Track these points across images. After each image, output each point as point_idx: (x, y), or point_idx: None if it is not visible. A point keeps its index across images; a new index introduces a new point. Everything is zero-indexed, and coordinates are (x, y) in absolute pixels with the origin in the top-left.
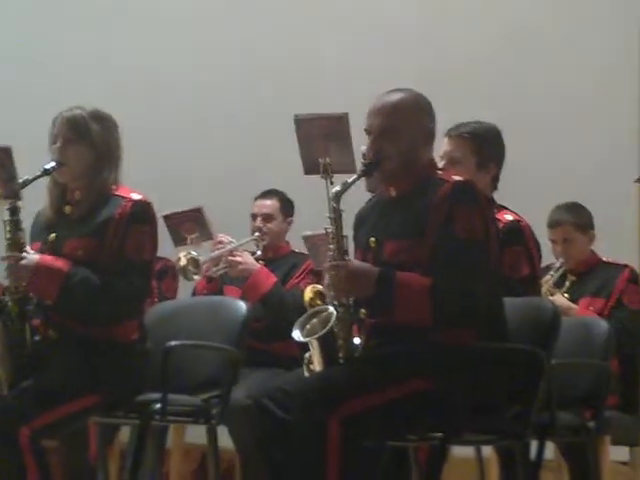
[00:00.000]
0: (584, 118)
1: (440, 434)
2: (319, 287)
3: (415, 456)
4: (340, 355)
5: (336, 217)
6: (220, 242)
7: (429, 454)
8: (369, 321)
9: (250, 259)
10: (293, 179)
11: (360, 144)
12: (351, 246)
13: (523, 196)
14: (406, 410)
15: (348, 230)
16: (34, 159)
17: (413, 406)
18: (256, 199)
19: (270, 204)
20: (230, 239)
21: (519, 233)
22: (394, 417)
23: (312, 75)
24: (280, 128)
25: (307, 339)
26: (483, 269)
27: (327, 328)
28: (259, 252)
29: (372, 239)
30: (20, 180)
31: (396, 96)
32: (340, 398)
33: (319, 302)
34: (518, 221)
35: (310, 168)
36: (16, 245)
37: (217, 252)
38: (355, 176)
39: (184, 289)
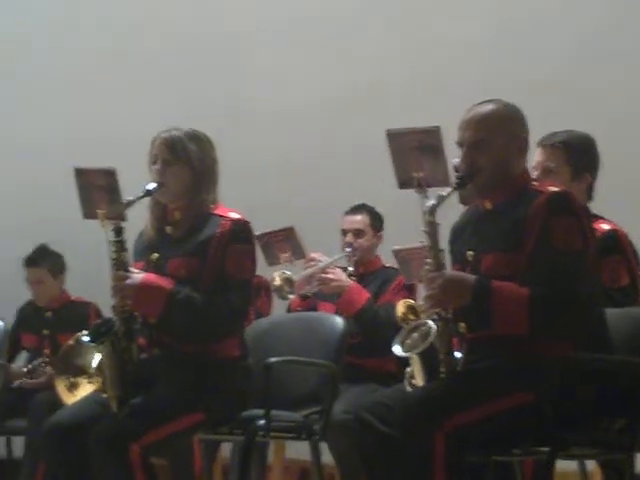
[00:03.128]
0: None
1: (546, 448)
2: (411, 302)
3: (520, 471)
4: (442, 369)
5: (432, 231)
6: (312, 260)
7: (534, 469)
8: (469, 335)
9: (342, 275)
10: (380, 192)
11: (454, 157)
12: (447, 260)
13: (618, 204)
14: (510, 424)
15: (442, 243)
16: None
17: (517, 420)
18: (346, 214)
19: (360, 219)
20: (322, 257)
21: (617, 242)
22: (498, 431)
23: (406, 90)
24: (371, 142)
25: (408, 354)
26: (582, 280)
27: (428, 342)
28: (351, 268)
29: (470, 252)
30: (124, 201)
31: (487, 107)
32: (445, 413)
33: (412, 317)
34: (615, 230)
35: (404, 182)
36: (121, 265)
37: (310, 270)
38: (450, 189)
39: (278, 306)
